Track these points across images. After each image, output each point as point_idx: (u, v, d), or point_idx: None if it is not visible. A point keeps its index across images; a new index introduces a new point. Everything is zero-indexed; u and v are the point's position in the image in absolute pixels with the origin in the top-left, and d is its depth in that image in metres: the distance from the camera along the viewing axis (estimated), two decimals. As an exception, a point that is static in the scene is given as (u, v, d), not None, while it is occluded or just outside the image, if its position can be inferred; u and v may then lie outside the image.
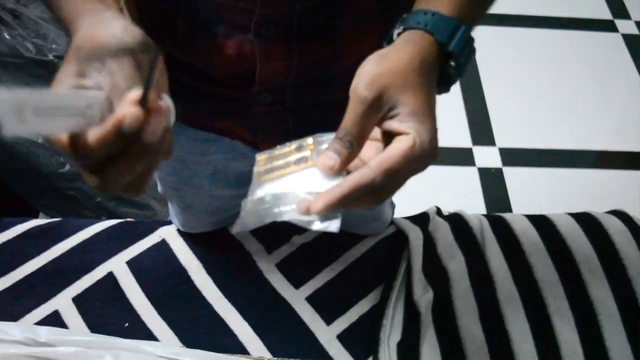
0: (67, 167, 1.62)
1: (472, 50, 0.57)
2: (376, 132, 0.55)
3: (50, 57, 1.59)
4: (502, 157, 2.19)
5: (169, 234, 1.20)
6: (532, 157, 2.22)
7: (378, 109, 0.51)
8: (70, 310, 1.09)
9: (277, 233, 1.22)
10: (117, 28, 0.50)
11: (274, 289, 1.14)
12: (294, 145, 0.55)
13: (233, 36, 0.67)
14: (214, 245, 1.20)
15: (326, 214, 0.48)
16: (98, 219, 1.24)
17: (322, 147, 0.53)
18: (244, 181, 1.04)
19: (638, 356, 1.09)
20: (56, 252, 1.16)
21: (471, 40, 0.57)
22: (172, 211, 1.17)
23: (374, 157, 0.49)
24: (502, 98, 2.40)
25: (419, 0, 0.58)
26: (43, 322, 1.07)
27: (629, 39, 2.67)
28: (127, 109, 0.44)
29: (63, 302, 1.10)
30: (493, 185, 2.12)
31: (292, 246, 1.20)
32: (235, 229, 0.53)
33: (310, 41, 0.67)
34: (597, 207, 1.34)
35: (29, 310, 1.09)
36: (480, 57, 2.51)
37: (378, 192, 0.50)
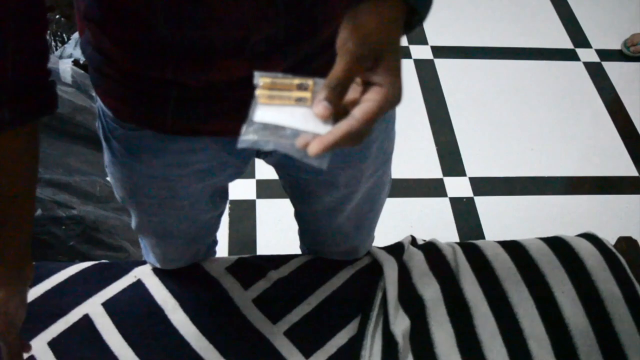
0: (39, 211, 1.61)
1: (431, 3, 0.65)
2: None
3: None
4: (472, 187, 2.22)
5: (144, 274, 1.20)
6: (502, 186, 2.25)
7: (364, 62, 0.59)
8: (46, 355, 1.08)
9: (252, 269, 1.22)
10: None
11: (251, 325, 1.14)
12: (296, 80, 0.62)
13: (228, 57, 0.73)
14: (190, 283, 1.19)
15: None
16: (72, 262, 1.23)
17: (319, 90, 0.61)
18: (221, 199, 1.08)
19: (614, 376, 1.11)
20: (30, 296, 1.14)
21: None
22: (147, 248, 1.16)
23: (357, 109, 0.59)
24: (470, 129, 2.44)
25: None
26: (18, 368, 1.06)
27: (590, 67, 2.74)
28: None
29: (39, 346, 1.09)
30: (465, 215, 2.14)
31: (268, 281, 1.20)
32: (241, 144, 0.59)
33: (299, 39, 0.74)
34: (567, 232, 1.36)
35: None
36: (447, 89, 2.55)
37: (360, 135, 0.59)
